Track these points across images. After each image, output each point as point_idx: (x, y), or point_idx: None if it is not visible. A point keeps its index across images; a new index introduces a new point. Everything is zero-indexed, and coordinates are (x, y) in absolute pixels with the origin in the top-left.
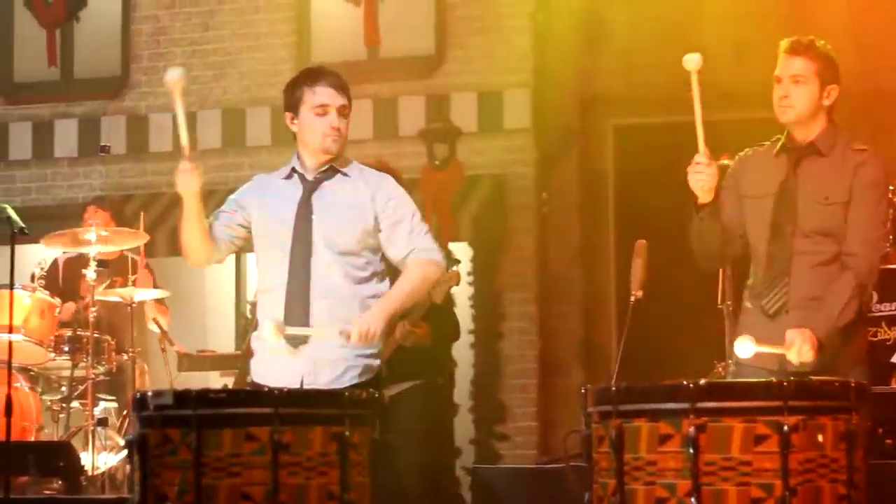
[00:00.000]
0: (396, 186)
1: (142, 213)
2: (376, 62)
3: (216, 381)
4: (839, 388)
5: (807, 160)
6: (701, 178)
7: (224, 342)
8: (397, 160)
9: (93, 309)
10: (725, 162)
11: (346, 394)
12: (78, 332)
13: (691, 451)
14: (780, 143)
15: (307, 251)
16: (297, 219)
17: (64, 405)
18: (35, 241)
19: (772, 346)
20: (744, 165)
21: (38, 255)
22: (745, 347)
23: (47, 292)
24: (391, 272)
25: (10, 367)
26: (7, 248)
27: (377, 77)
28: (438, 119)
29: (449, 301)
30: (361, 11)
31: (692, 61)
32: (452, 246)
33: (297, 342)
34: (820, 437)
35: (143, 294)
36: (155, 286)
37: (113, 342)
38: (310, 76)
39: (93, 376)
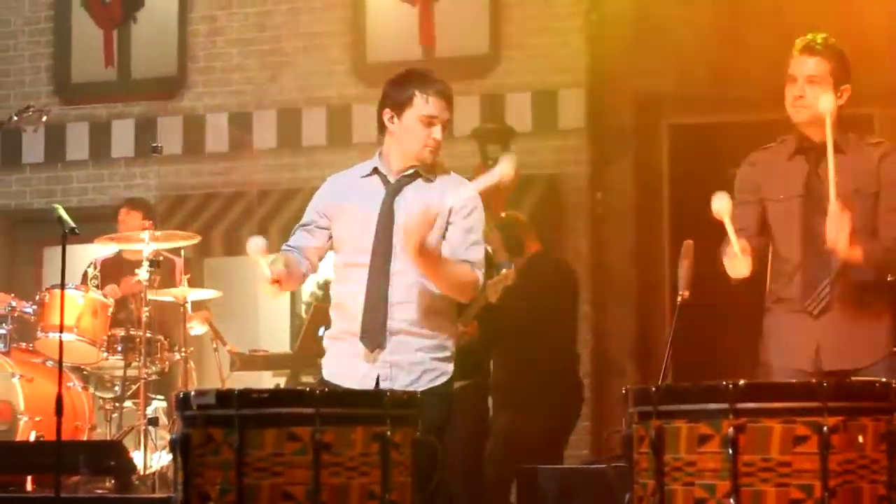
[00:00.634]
0: (474, 197)
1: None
2: (431, 62)
3: (269, 381)
4: (880, 389)
5: (826, 160)
6: (739, 267)
7: (277, 342)
8: (451, 160)
9: (145, 309)
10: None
11: (388, 394)
12: (131, 332)
13: (730, 451)
14: (793, 145)
15: (387, 255)
16: (379, 223)
17: (117, 404)
18: (90, 241)
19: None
20: (758, 169)
21: (92, 256)
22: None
23: (100, 292)
24: None
25: (61, 367)
26: (61, 249)
27: None
28: (492, 119)
29: (504, 300)
30: (417, 11)
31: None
32: None
33: (371, 346)
34: (860, 438)
35: (196, 294)
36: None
37: (165, 342)
38: (424, 81)
39: (145, 376)
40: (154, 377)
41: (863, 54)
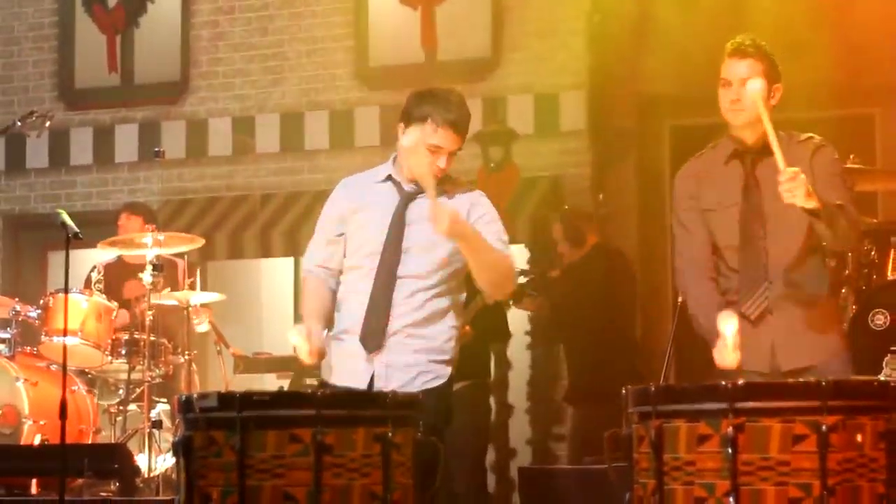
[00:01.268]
0: (490, 204)
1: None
2: (433, 65)
3: (272, 383)
4: (878, 388)
5: (762, 161)
6: (726, 359)
7: (280, 344)
8: (454, 163)
9: (149, 312)
10: None
11: (389, 395)
12: (135, 336)
13: (730, 451)
14: (728, 150)
15: (395, 262)
16: (391, 228)
17: (121, 408)
18: (93, 245)
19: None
20: (695, 180)
21: (96, 261)
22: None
23: (104, 296)
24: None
25: (65, 370)
26: (65, 253)
27: (434, 80)
28: (494, 121)
29: (500, 302)
30: (418, 15)
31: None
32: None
33: (370, 347)
34: (859, 437)
35: (199, 297)
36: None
37: (169, 345)
38: (440, 108)
39: (149, 379)
40: (158, 380)
41: (863, 55)
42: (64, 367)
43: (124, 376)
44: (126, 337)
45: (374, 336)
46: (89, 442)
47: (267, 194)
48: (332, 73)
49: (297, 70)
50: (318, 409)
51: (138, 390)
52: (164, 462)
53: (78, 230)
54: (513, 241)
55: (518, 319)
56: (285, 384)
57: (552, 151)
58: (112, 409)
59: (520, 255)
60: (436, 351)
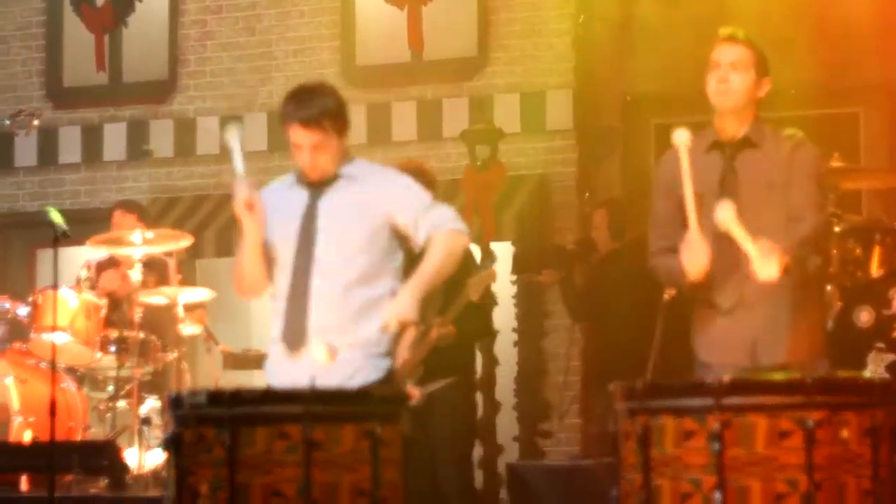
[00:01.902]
0: (400, 175)
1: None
2: (420, 64)
3: (261, 379)
4: (863, 384)
5: (742, 153)
6: (696, 256)
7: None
8: (440, 161)
9: (138, 309)
10: None
11: (377, 391)
12: (124, 333)
13: (716, 446)
14: (710, 139)
15: (309, 259)
16: (302, 228)
17: (110, 404)
18: (82, 243)
19: (744, 237)
20: (672, 164)
21: (85, 258)
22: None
23: (93, 293)
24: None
25: (54, 368)
26: (53, 251)
27: (420, 79)
28: (481, 120)
29: (488, 299)
30: (405, 14)
31: (681, 137)
32: (496, 245)
33: (293, 346)
34: (844, 433)
35: (189, 295)
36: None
37: (158, 342)
38: (290, 107)
39: (138, 376)
40: (147, 377)
41: (847, 54)
42: (53, 364)
43: (113, 373)
44: (115, 334)
45: (295, 334)
46: (78, 439)
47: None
48: (319, 72)
49: (284, 69)
50: (307, 406)
51: (127, 387)
52: (153, 459)
53: (67, 228)
54: (499, 238)
55: (505, 316)
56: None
57: (538, 150)
58: (101, 406)
59: (507, 252)
60: (371, 345)
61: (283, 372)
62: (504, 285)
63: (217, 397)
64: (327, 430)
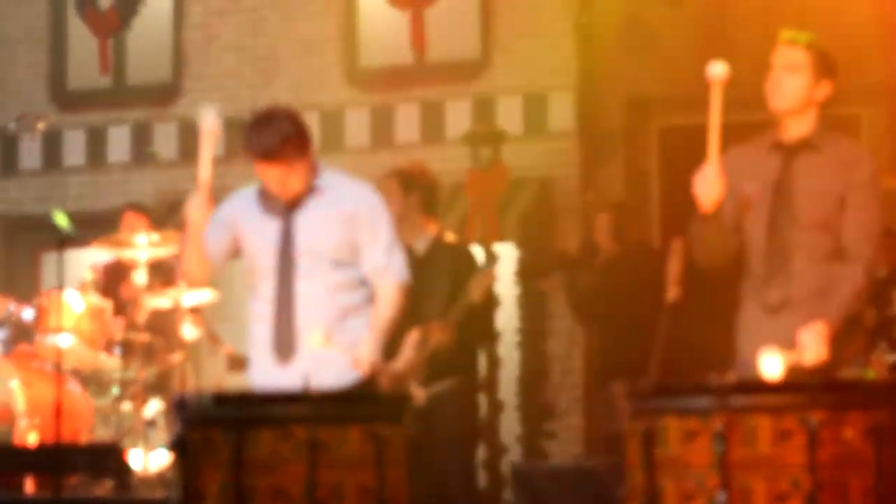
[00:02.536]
0: (374, 195)
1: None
2: (422, 67)
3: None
4: (867, 384)
5: (801, 156)
6: (709, 187)
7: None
8: (443, 164)
9: (143, 312)
10: None
11: (382, 393)
12: (129, 335)
13: (720, 446)
14: (772, 140)
15: (291, 271)
16: (281, 241)
17: (115, 407)
18: (87, 245)
19: (789, 353)
20: (735, 163)
21: (90, 260)
22: (772, 362)
23: (98, 296)
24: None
25: (59, 370)
26: (58, 253)
27: (423, 81)
28: (483, 122)
29: (489, 301)
30: (408, 17)
31: (717, 70)
32: (499, 247)
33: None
34: (847, 433)
35: (192, 296)
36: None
37: (163, 344)
38: (247, 143)
39: (143, 378)
40: (152, 379)
41: (849, 55)
42: (59, 366)
43: (118, 375)
44: (120, 336)
45: (284, 341)
46: (84, 441)
47: None
48: (322, 74)
49: (287, 72)
50: (313, 408)
51: (132, 389)
52: (158, 461)
53: (72, 231)
54: (501, 239)
55: (508, 318)
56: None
57: (541, 152)
58: (106, 409)
59: (510, 254)
60: (357, 345)
61: (272, 379)
62: (507, 287)
63: (223, 399)
64: (332, 431)
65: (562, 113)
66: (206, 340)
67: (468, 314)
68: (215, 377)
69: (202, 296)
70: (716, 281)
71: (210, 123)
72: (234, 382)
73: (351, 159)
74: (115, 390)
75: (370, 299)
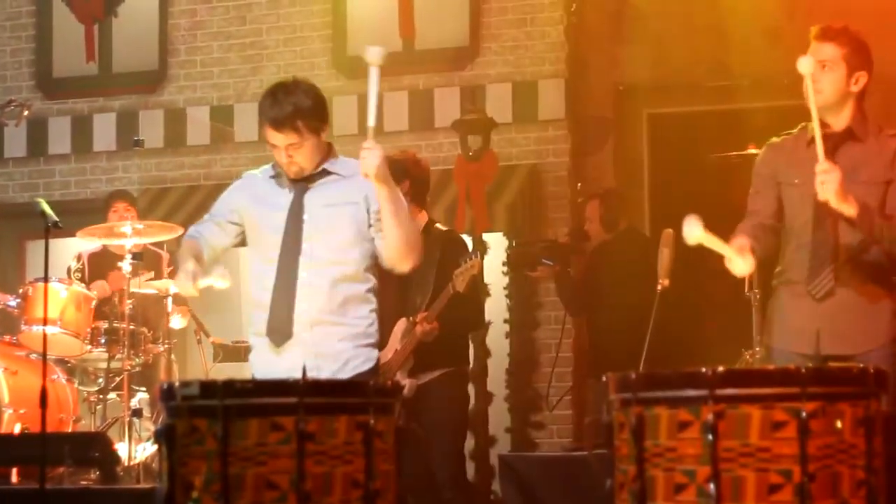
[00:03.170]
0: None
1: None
2: (411, 54)
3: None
4: (858, 374)
5: (843, 146)
6: (743, 267)
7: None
8: (433, 152)
9: (129, 301)
10: (753, 151)
11: (371, 383)
12: (114, 325)
13: (710, 437)
14: (812, 132)
15: (296, 254)
16: (288, 223)
17: (101, 396)
18: (72, 234)
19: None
20: (778, 154)
21: (76, 249)
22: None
23: (83, 285)
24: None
25: (45, 359)
26: (44, 243)
27: (412, 69)
28: (473, 110)
29: (475, 290)
30: (396, 4)
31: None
32: (488, 236)
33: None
34: (838, 423)
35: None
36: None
37: (149, 334)
38: (263, 108)
39: (129, 368)
40: (137, 369)
41: None
42: (44, 356)
43: (104, 365)
44: (105, 326)
45: (280, 328)
46: (69, 431)
47: None
48: (310, 61)
49: (275, 59)
50: (301, 398)
51: (118, 379)
52: (143, 451)
53: (57, 219)
54: (491, 228)
55: (497, 307)
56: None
57: (530, 140)
58: (92, 398)
59: (499, 243)
60: (361, 336)
61: (268, 366)
62: (496, 277)
63: (209, 388)
64: (321, 421)
65: (552, 100)
66: (192, 330)
67: (454, 304)
68: (201, 367)
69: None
70: (706, 271)
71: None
72: (219, 372)
73: (339, 148)
74: (101, 380)
75: (374, 291)
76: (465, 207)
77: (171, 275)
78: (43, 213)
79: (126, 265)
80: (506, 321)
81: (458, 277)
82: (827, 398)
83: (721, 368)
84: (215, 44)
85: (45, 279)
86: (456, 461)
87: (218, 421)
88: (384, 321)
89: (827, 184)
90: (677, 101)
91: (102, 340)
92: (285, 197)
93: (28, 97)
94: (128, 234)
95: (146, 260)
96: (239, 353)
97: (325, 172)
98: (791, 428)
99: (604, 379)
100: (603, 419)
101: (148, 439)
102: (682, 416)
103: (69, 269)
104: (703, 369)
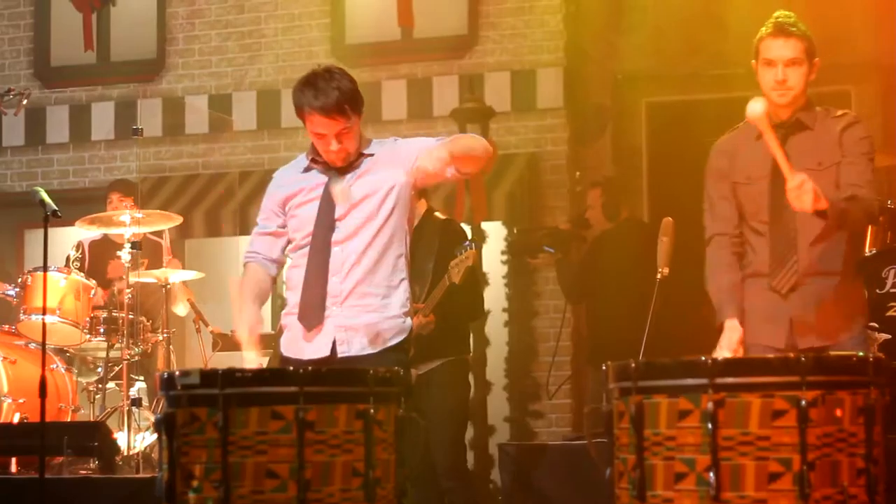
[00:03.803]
0: (407, 139)
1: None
2: (410, 43)
3: (251, 360)
4: (857, 363)
5: (793, 136)
6: (732, 341)
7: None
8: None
9: (128, 290)
10: None
11: (371, 372)
12: (113, 314)
13: (710, 426)
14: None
15: (329, 231)
16: (322, 202)
17: (100, 386)
18: (71, 223)
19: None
20: (726, 156)
21: (75, 238)
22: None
23: (82, 274)
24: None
25: (44, 349)
26: (42, 232)
27: (411, 57)
28: (471, 99)
29: (470, 280)
30: None
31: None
32: (487, 225)
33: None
34: (838, 412)
35: (178, 275)
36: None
37: (148, 323)
38: (310, 95)
39: (128, 357)
40: (136, 358)
41: (839, 33)
42: (43, 345)
43: (103, 354)
44: (104, 315)
45: (311, 312)
46: (68, 420)
47: (244, 171)
48: (308, 50)
49: (273, 47)
50: (301, 386)
51: (117, 368)
52: (143, 440)
53: (56, 208)
54: (490, 217)
55: (496, 296)
56: (264, 361)
57: (529, 129)
58: (91, 388)
59: (497, 232)
60: (390, 307)
61: (297, 343)
62: (495, 266)
63: (210, 377)
64: (321, 410)
65: (550, 89)
66: (191, 319)
67: (452, 294)
68: (201, 356)
69: (187, 275)
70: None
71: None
72: (218, 362)
73: None
74: (100, 369)
75: (407, 259)
76: (464, 196)
77: (170, 264)
78: (42, 202)
79: (125, 254)
80: (504, 310)
81: (454, 269)
82: (826, 387)
83: (721, 357)
84: (213, 32)
85: (45, 268)
86: (456, 450)
87: (218, 410)
88: None
89: (803, 196)
90: (675, 89)
91: (101, 330)
92: (318, 188)
93: (26, 86)
94: (126, 223)
95: (145, 249)
96: (238, 342)
97: (362, 155)
98: (791, 416)
99: (603, 368)
100: (602, 408)
101: (147, 429)
102: (681, 405)
103: (68, 258)
104: (703, 358)
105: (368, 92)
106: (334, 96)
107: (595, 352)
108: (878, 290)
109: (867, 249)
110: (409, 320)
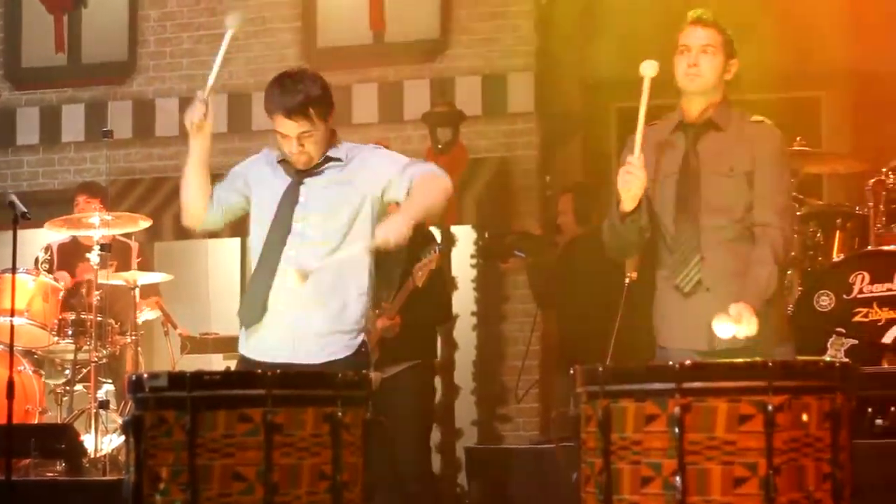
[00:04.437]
0: (379, 149)
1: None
2: (381, 46)
3: (219, 363)
4: (823, 368)
5: (705, 136)
6: (632, 181)
7: (228, 325)
8: (402, 144)
9: (96, 292)
10: None
11: (339, 375)
12: (81, 316)
13: (676, 430)
14: (674, 122)
15: (284, 233)
16: (282, 203)
17: (67, 388)
18: (40, 225)
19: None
20: (644, 144)
21: (43, 240)
22: (724, 328)
23: (51, 276)
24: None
25: (12, 350)
26: (11, 234)
27: (382, 61)
28: (442, 103)
29: (437, 283)
30: None
31: (650, 68)
32: (457, 229)
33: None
34: (804, 417)
35: (147, 278)
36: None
37: (116, 325)
38: (275, 98)
39: (96, 359)
40: (104, 361)
41: (810, 40)
42: (11, 346)
43: (70, 356)
44: (73, 317)
45: (252, 306)
46: (35, 422)
47: (215, 174)
48: (280, 53)
49: (244, 50)
50: (269, 389)
51: (85, 371)
52: (110, 442)
53: (26, 210)
54: (459, 221)
55: (464, 300)
56: (232, 364)
57: (500, 133)
58: (58, 390)
59: (467, 236)
60: (343, 321)
61: (262, 341)
62: (464, 269)
63: (178, 380)
64: (289, 413)
65: (521, 94)
66: (160, 322)
67: (419, 298)
68: (169, 359)
69: (156, 277)
70: None
71: (234, 24)
72: (187, 364)
73: None
74: (67, 372)
75: (368, 274)
76: None
77: (140, 266)
78: (11, 204)
79: (94, 256)
80: (473, 314)
81: (418, 272)
82: (793, 392)
83: (688, 362)
84: (185, 35)
85: (13, 270)
86: (421, 454)
87: (186, 412)
88: None
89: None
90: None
91: (69, 332)
92: (283, 182)
93: None
94: (95, 224)
95: (114, 251)
96: (206, 344)
97: (328, 159)
98: (757, 421)
99: (571, 372)
100: (570, 412)
101: (114, 431)
102: (648, 410)
103: (37, 260)
104: (670, 363)
105: (339, 95)
106: (299, 99)
107: (564, 356)
108: (845, 296)
109: (834, 255)
110: (360, 338)
